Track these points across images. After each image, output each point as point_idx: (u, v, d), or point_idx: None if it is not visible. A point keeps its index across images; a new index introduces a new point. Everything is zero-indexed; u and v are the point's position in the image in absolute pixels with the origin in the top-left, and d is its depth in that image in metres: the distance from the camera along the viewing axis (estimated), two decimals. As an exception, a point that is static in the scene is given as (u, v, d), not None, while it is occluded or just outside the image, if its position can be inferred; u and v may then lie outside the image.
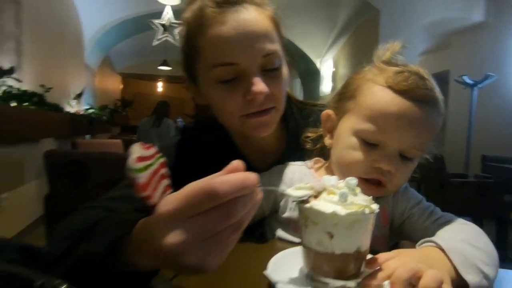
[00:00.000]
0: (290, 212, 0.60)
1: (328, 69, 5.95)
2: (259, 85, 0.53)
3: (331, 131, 0.59)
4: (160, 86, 10.66)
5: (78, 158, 1.44)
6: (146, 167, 0.34)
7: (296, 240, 0.57)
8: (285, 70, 0.59)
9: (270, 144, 0.66)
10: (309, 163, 0.63)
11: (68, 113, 3.72)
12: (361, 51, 4.64)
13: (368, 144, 0.52)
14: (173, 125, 4.37)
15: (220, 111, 0.59)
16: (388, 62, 0.54)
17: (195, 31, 0.55)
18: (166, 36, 3.50)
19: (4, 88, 2.20)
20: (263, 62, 0.54)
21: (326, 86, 5.99)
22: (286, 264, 0.43)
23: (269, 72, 0.56)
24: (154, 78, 9.80)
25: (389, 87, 0.50)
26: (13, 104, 2.34)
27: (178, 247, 0.29)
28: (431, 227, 0.54)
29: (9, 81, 2.29)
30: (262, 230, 0.66)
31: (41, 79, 3.14)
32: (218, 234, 0.31)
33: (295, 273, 0.43)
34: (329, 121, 0.59)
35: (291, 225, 0.60)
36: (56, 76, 3.83)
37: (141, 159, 0.34)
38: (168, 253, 0.30)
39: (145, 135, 4.17)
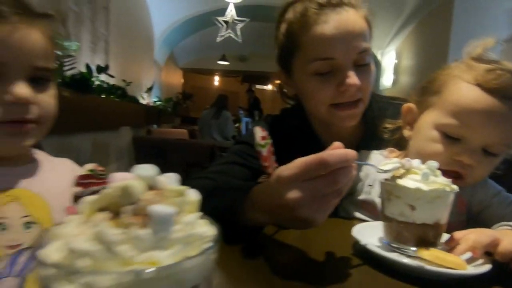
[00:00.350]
0: (365, 195, 0.67)
1: (390, 61, 5.60)
2: (353, 78, 0.60)
3: (411, 124, 0.63)
4: (216, 80, 11.15)
5: (160, 143, 1.69)
6: (265, 144, 0.45)
7: (371, 220, 0.64)
8: (372, 66, 0.65)
9: (348, 133, 0.73)
10: (384, 152, 0.69)
11: (143, 105, 4.18)
12: (429, 42, 4.29)
13: (450, 138, 0.54)
14: (231, 117, 4.62)
15: (311, 100, 0.68)
16: (478, 59, 0.55)
17: (298, 29, 0.63)
18: (229, 33, 3.69)
19: (97, 82, 2.60)
20: (357, 58, 0.62)
21: (387, 79, 5.65)
22: (366, 233, 0.51)
23: (360, 67, 0.63)
24: (211, 72, 10.29)
25: (478, 84, 0.51)
26: (103, 96, 2.75)
27: (296, 202, 0.39)
28: (510, 215, 0.56)
29: (101, 77, 2.69)
30: (336, 211, 0.74)
31: (122, 74, 3.59)
32: (325, 196, 0.40)
33: (375, 240, 0.50)
34: (409, 114, 0.63)
35: (365, 207, 0.67)
36: (132, 71, 4.33)
37: (262, 138, 0.45)
38: (287, 207, 0.40)
39: (205, 125, 4.49)
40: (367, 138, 0.73)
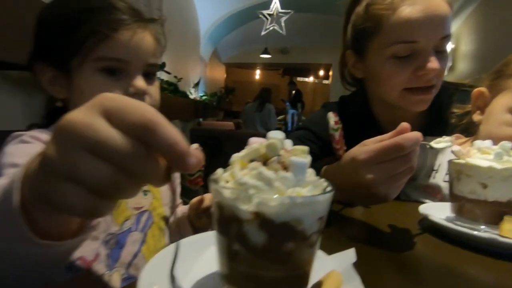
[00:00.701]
0: (430, 179, 0.68)
1: (447, 46, 5.14)
2: (435, 63, 0.61)
3: (482, 108, 0.63)
4: (257, 74, 11.26)
5: (215, 134, 1.83)
6: (337, 129, 0.50)
7: (433, 202, 0.65)
8: (447, 53, 0.65)
9: (411, 119, 0.74)
10: (450, 138, 0.69)
11: (191, 99, 4.43)
12: (493, 24, 3.88)
13: None
14: (274, 110, 4.69)
15: (385, 83, 0.68)
16: None
17: (381, 10, 0.64)
18: (273, 26, 3.73)
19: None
20: (438, 43, 0.62)
21: (441, 67, 5.21)
22: (433, 211, 0.53)
23: (438, 53, 0.63)
24: (252, 66, 10.41)
25: None
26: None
27: (373, 181, 0.44)
28: None
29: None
30: (397, 197, 0.76)
31: (174, 71, 3.84)
32: (398, 174, 0.44)
33: (442, 217, 0.53)
34: (480, 98, 0.63)
35: (429, 191, 0.69)
36: (182, 68, 4.59)
37: (335, 122, 0.50)
38: (363, 186, 0.45)
39: (249, 118, 4.61)
40: (431, 124, 0.73)
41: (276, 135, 0.26)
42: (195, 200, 0.59)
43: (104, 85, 0.50)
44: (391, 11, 0.62)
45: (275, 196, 0.22)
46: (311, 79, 10.71)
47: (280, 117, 5.58)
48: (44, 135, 0.48)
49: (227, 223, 0.24)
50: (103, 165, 0.20)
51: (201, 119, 5.42)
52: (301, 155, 0.25)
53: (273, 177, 0.23)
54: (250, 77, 11.20)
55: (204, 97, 5.67)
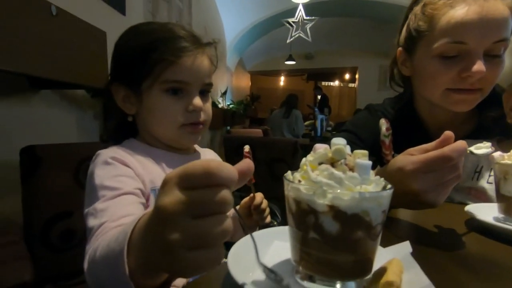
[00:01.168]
0: (473, 181, 0.69)
1: (503, 50, 4.87)
2: (480, 66, 0.59)
3: None
4: (281, 80, 11.32)
5: (247, 140, 1.90)
6: (388, 135, 0.53)
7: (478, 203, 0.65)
8: (504, 60, 0.63)
9: (454, 120, 0.74)
10: (490, 143, 0.69)
11: (220, 108, 4.57)
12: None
13: None
14: (301, 115, 4.70)
15: (428, 81, 0.68)
16: None
17: (434, 11, 0.64)
18: (299, 33, 3.77)
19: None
20: (490, 47, 0.61)
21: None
22: (480, 211, 0.54)
23: (491, 58, 0.62)
24: (276, 73, 10.49)
25: None
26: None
27: (421, 190, 0.45)
28: None
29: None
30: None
31: (203, 82, 4.00)
32: (445, 182, 0.45)
33: (489, 218, 0.54)
34: (511, 100, 0.63)
35: (473, 193, 0.69)
36: (210, 78, 4.76)
37: (387, 129, 0.53)
38: (412, 194, 0.46)
39: (276, 124, 4.66)
40: (478, 130, 0.72)
41: (340, 141, 0.31)
42: (246, 199, 0.65)
43: (168, 103, 0.57)
44: (444, 11, 0.62)
45: (346, 192, 0.26)
46: (336, 83, 10.59)
47: (307, 122, 5.56)
48: (121, 152, 0.56)
49: (304, 215, 0.28)
50: (210, 218, 0.24)
51: (228, 127, 5.56)
52: (363, 158, 0.30)
53: (343, 176, 0.27)
54: (275, 84, 11.28)
55: (231, 106, 5.81)
